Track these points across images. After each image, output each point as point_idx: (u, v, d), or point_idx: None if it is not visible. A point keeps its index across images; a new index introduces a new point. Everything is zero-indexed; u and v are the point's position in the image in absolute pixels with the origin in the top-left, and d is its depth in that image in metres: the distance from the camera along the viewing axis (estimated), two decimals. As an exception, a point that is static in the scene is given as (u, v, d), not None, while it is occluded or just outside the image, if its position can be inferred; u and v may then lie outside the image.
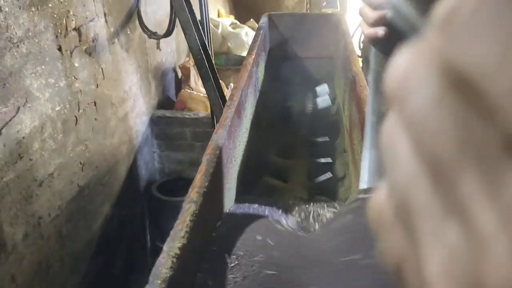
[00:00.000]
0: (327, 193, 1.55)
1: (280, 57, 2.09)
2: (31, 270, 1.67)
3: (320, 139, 1.77)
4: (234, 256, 1.04)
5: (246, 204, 1.27)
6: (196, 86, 2.89)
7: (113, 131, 2.17)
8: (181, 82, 3.00)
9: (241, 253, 1.02)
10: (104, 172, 2.13)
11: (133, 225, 2.44)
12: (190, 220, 0.86)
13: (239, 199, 1.47)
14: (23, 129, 1.55)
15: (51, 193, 1.76)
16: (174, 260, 0.76)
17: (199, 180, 0.98)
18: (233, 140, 1.37)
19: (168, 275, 0.73)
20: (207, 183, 0.98)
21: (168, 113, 2.66)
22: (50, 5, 1.66)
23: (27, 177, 1.61)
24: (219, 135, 1.19)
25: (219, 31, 3.34)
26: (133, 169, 2.40)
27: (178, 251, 0.79)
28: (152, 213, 2.52)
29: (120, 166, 2.27)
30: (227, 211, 1.23)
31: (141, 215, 2.55)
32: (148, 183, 2.60)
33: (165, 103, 2.81)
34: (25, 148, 1.58)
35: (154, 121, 2.62)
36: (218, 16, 3.99)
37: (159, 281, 0.70)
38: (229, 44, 3.35)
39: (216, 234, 1.09)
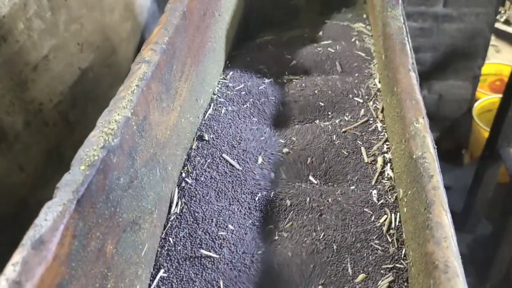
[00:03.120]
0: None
1: None
2: (41, 158, 1.61)
3: None
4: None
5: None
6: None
7: (111, 7, 1.97)
8: None
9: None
10: (107, 53, 1.97)
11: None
12: (137, 86, 0.70)
13: (233, 61, 1.31)
14: (1, 7, 1.38)
15: (49, 78, 1.64)
16: (109, 138, 0.62)
17: (156, 34, 0.79)
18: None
19: (96, 157, 0.60)
20: (167, 38, 0.79)
21: (174, -17, 2.39)
22: None
23: (16, 61, 1.47)
24: None
25: None
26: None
27: (115, 127, 0.65)
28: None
29: (125, 46, 2.10)
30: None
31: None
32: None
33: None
34: (8, 29, 1.42)
35: (160, -6, 2.37)
36: None
37: (82, 167, 0.57)
38: None
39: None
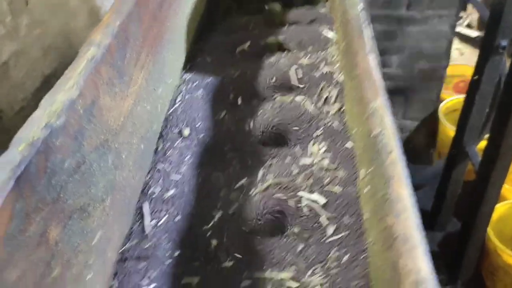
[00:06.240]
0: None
1: None
2: (1, 165, 1.57)
3: None
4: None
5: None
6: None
7: (75, 11, 1.95)
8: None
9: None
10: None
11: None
12: (84, 68, 0.69)
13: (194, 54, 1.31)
14: (-42, 11, 1.35)
15: (10, 84, 1.60)
16: (51, 119, 0.60)
17: (109, 17, 0.77)
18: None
19: (36, 138, 0.58)
20: (118, 23, 0.77)
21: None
22: None
23: (-25, 67, 1.44)
24: None
25: None
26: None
27: (59, 107, 0.63)
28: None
29: (90, 51, 2.08)
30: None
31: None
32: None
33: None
34: (-34, 33, 1.39)
35: None
36: None
37: (20, 148, 0.55)
38: None
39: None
